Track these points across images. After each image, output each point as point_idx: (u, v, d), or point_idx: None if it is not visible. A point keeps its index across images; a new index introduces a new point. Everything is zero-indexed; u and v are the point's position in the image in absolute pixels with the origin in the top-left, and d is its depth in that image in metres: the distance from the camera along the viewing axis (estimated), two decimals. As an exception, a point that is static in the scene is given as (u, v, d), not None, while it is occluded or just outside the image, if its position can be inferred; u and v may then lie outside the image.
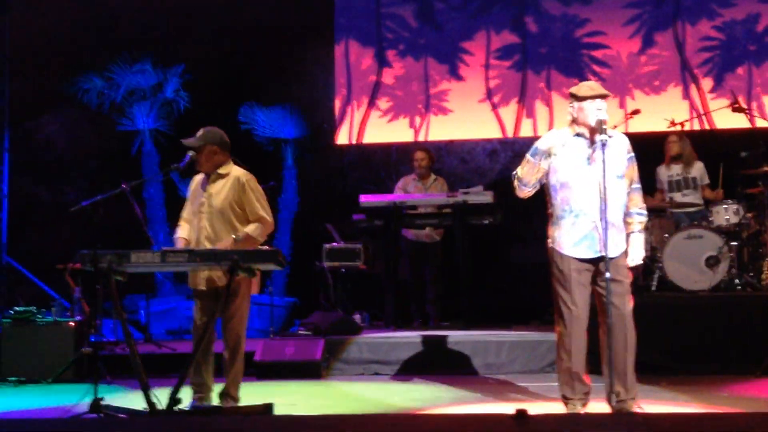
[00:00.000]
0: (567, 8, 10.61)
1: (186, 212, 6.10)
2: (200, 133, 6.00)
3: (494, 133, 10.66)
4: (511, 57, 10.71)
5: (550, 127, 10.24)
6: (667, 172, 8.84)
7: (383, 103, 10.85)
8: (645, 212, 5.58)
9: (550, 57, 10.63)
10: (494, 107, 10.66)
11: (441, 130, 10.75)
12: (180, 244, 5.90)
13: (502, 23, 10.71)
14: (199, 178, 6.09)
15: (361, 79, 10.91)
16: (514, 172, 5.54)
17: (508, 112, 10.65)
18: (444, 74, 10.80)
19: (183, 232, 6.01)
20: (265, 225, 5.97)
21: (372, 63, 10.91)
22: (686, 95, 10.29)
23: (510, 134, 10.61)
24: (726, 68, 10.27)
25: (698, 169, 8.75)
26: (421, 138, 10.73)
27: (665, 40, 10.41)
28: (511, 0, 10.73)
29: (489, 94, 10.69)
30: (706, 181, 8.73)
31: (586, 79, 10.11)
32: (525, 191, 5.52)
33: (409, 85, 10.84)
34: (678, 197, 8.69)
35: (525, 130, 10.58)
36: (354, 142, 10.88)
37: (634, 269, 5.58)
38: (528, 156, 5.48)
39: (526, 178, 5.48)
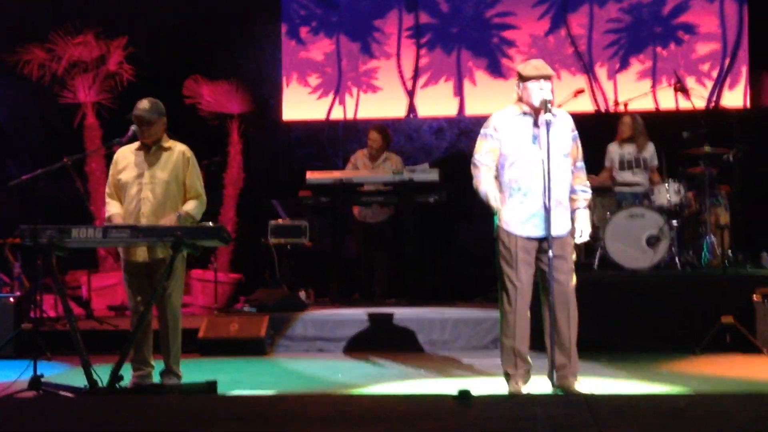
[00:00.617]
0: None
1: (112, 186, 5.98)
2: (148, 104, 5.90)
3: (424, 111, 10.69)
4: (425, 36, 10.72)
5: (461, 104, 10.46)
6: (618, 150, 8.92)
7: (313, 79, 10.81)
8: (589, 190, 5.65)
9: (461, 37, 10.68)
10: (418, 86, 10.68)
11: (372, 107, 10.73)
12: (117, 221, 5.81)
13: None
14: (128, 149, 5.98)
15: (294, 54, 10.87)
16: (473, 160, 5.55)
17: (438, 91, 10.66)
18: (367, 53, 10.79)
19: (114, 207, 5.92)
20: (202, 203, 5.95)
21: (303, 37, 10.87)
22: (591, 79, 10.41)
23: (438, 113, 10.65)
24: (632, 50, 10.42)
25: (650, 151, 8.86)
26: (350, 116, 10.72)
27: (574, 22, 10.51)
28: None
29: (416, 73, 10.70)
30: (656, 162, 8.84)
31: (496, 60, 10.41)
32: (481, 177, 5.53)
33: (339, 63, 10.81)
34: (628, 176, 8.79)
35: (451, 108, 10.65)
36: (301, 118, 10.84)
37: (576, 247, 5.64)
38: (479, 139, 5.52)
39: (483, 161, 5.50)
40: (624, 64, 10.41)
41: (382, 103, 10.72)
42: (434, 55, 10.69)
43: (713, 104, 10.01)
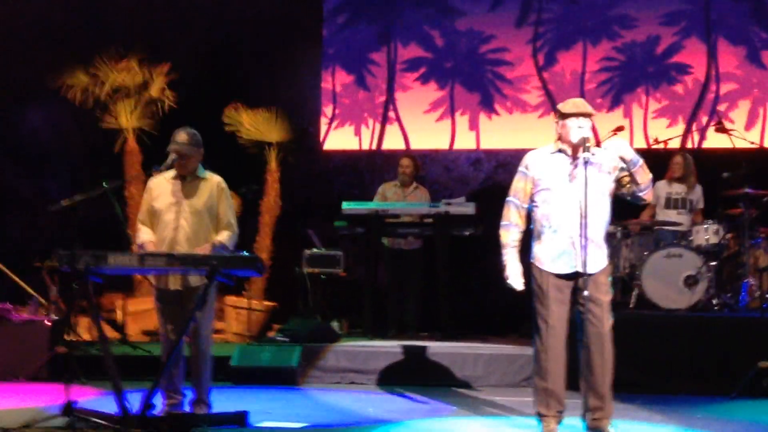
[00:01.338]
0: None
1: (145, 213, 6.02)
2: (186, 137, 5.92)
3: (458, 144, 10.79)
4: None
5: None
6: (666, 189, 8.85)
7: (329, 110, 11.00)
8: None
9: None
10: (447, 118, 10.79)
11: (395, 139, 10.87)
12: (149, 248, 5.84)
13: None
14: (163, 178, 6.02)
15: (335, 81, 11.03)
16: (507, 199, 5.56)
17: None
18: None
19: (147, 234, 5.95)
20: (235, 235, 5.97)
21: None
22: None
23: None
24: (624, 89, 10.49)
25: (698, 192, 8.81)
26: (374, 146, 10.88)
27: (567, 59, 10.61)
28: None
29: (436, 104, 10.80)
30: (701, 206, 8.79)
31: (489, 95, 10.46)
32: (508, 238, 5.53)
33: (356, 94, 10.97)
34: (672, 215, 8.72)
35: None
36: (340, 147, 10.91)
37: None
38: (515, 177, 5.53)
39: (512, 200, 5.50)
40: (616, 102, 10.46)
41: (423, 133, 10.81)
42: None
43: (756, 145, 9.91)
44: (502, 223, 5.55)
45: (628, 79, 10.48)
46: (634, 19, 10.49)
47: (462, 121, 10.78)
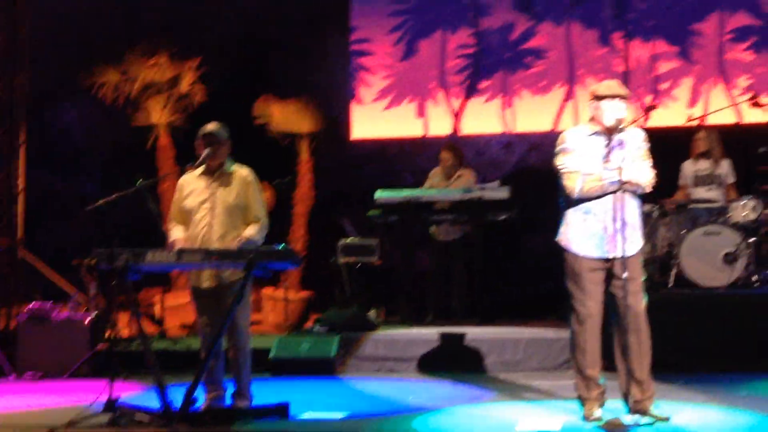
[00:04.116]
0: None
1: (176, 212, 6.03)
2: (216, 125, 5.96)
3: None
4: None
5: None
6: (693, 167, 8.74)
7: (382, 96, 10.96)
8: (644, 181, 5.42)
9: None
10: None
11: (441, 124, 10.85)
12: (180, 245, 5.85)
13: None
14: (191, 176, 6.02)
15: (363, 71, 11.01)
16: (563, 171, 5.43)
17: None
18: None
19: (178, 232, 5.96)
20: (264, 227, 5.95)
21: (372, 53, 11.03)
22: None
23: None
24: (482, 74, 10.65)
25: (725, 167, 8.67)
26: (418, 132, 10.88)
27: (428, 47, 10.79)
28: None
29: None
30: (732, 179, 8.64)
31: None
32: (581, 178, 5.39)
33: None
34: (702, 192, 8.62)
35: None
36: (370, 135, 10.91)
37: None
38: (557, 163, 5.46)
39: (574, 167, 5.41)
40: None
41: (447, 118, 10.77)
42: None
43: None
44: (571, 185, 5.38)
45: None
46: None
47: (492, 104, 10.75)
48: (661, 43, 10.39)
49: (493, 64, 10.69)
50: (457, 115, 10.74)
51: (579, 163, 5.38)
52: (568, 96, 10.47)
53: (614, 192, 5.30)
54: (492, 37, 10.75)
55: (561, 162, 5.46)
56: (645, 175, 5.40)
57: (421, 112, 10.85)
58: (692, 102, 10.21)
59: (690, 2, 10.40)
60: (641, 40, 10.43)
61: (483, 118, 10.71)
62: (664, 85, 10.31)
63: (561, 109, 10.45)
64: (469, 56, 10.82)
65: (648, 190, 5.45)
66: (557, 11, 10.61)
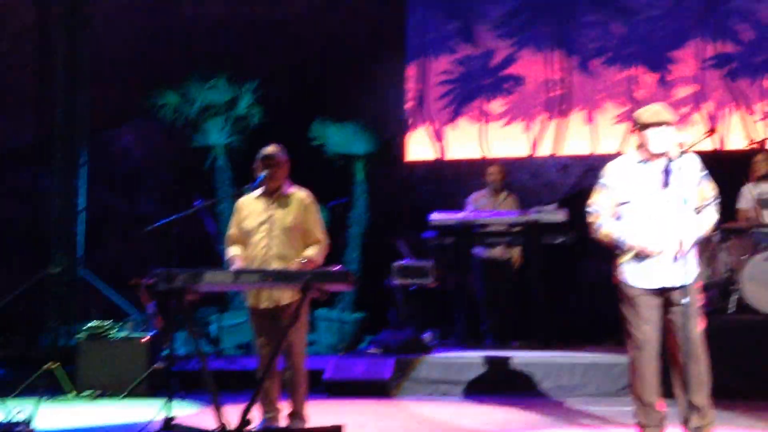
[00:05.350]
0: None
1: (234, 231, 6.08)
2: (275, 147, 6.01)
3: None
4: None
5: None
6: (756, 190, 8.57)
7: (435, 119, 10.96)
8: (706, 226, 5.35)
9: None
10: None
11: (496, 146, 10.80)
12: (238, 264, 5.90)
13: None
14: (250, 198, 6.07)
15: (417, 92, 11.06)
16: (589, 210, 5.42)
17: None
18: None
19: (236, 251, 6.02)
20: (323, 249, 5.98)
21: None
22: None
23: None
24: (464, 100, 10.72)
25: None
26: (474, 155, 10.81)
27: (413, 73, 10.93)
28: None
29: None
30: None
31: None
32: (602, 222, 5.38)
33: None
34: (766, 215, 8.46)
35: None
36: (424, 157, 10.91)
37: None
38: (596, 188, 5.41)
39: (599, 210, 5.37)
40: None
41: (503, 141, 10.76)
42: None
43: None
44: (597, 230, 5.41)
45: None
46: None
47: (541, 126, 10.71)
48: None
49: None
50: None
51: (626, 194, 5.29)
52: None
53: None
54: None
55: (591, 200, 5.41)
56: (708, 221, 5.31)
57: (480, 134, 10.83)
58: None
59: (670, 30, 10.36)
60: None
61: (544, 141, 10.67)
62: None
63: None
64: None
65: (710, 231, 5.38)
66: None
